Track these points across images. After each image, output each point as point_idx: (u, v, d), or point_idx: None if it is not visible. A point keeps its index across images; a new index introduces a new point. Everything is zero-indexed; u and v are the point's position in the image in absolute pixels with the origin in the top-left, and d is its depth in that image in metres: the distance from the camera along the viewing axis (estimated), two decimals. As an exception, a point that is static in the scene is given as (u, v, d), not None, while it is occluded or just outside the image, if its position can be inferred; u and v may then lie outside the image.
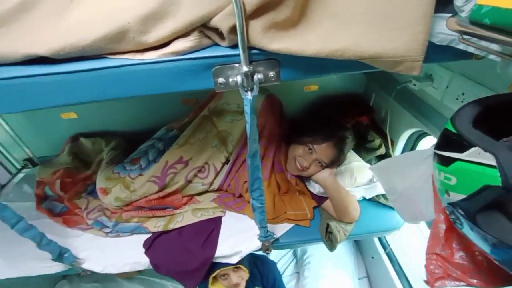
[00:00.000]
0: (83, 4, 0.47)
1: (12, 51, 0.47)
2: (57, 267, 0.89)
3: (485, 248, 0.41)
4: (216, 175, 1.04)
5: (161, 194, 0.98)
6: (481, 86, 0.66)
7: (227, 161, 1.04)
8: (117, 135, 1.32)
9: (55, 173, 1.16)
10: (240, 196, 1.06)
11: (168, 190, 0.99)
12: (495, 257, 0.41)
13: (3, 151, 1.32)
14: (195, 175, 1.02)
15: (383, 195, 1.05)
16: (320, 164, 0.97)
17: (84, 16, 0.46)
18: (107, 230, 0.96)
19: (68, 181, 1.14)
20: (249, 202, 0.94)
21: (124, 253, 0.93)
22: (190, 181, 1.02)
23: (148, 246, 0.92)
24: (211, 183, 1.04)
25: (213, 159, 1.02)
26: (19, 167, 1.37)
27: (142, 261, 0.91)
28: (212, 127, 1.04)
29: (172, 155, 0.98)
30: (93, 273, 0.92)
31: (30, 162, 1.39)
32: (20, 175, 1.34)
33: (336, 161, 0.99)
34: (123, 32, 0.44)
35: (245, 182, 1.01)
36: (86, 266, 0.89)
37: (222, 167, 1.04)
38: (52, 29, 0.47)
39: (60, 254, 0.81)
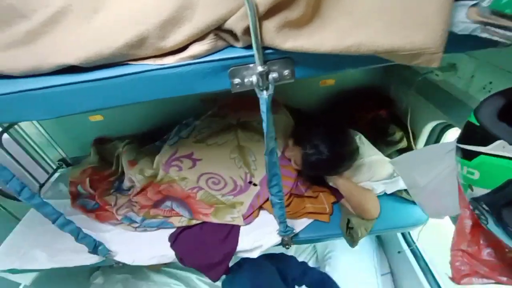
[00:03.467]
0: (106, 13, 0.50)
1: (46, 62, 0.51)
2: (92, 259, 0.96)
3: (511, 244, 0.39)
4: (240, 192, 1.02)
5: (169, 186, 1.01)
6: (511, 74, 0.62)
7: (250, 182, 1.02)
8: (138, 134, 1.39)
9: (84, 172, 1.25)
10: None
11: (177, 186, 1.01)
12: (523, 254, 0.40)
13: (40, 152, 1.43)
14: (212, 183, 1.02)
15: (405, 190, 1.02)
16: (295, 163, 0.96)
17: (107, 25, 0.49)
18: (136, 225, 1.02)
19: (96, 179, 1.22)
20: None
21: (151, 246, 0.98)
22: (202, 188, 1.02)
23: (174, 240, 0.97)
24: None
25: (233, 173, 1.01)
26: (54, 167, 1.48)
27: (168, 254, 0.96)
28: (235, 137, 1.03)
29: (184, 147, 1.00)
30: (124, 265, 0.99)
31: (64, 162, 1.50)
32: (56, 174, 1.45)
33: (313, 167, 0.92)
34: (143, 39, 0.47)
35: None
36: (118, 258, 0.96)
37: (248, 188, 1.01)
38: (79, 39, 0.50)
39: (95, 247, 0.88)
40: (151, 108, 1.34)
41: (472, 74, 0.74)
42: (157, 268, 1.56)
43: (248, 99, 1.06)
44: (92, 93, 0.53)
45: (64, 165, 1.49)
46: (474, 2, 0.41)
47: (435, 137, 1.04)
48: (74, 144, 1.46)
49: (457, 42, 0.46)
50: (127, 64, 0.52)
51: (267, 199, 0.99)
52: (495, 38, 0.42)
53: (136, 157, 1.06)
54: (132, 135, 1.38)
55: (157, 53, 0.51)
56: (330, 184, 0.98)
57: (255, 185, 1.01)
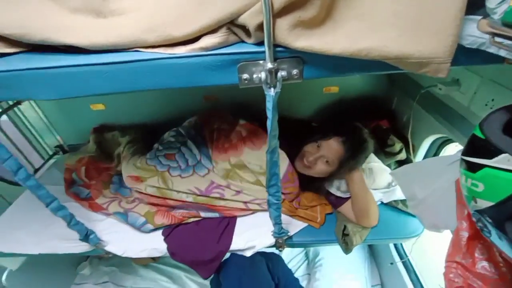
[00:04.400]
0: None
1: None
2: (82, 247, 0.95)
3: (513, 257, 0.39)
4: None
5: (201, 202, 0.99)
6: (514, 92, 0.64)
7: None
8: (139, 126, 1.38)
9: (81, 161, 1.24)
10: None
11: (210, 202, 0.99)
12: (524, 267, 0.40)
13: (38, 137, 1.42)
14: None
15: (401, 200, 1.02)
16: (327, 162, 0.93)
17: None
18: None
19: (92, 168, 1.21)
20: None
21: (143, 238, 0.97)
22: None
23: (168, 234, 0.96)
24: None
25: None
26: (51, 153, 1.46)
27: (160, 248, 0.95)
28: (242, 179, 1.00)
29: (217, 178, 1.00)
30: (112, 256, 0.97)
31: (61, 149, 1.48)
32: (52, 160, 1.44)
33: (345, 161, 0.92)
34: (159, 25, 0.47)
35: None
36: (108, 248, 0.95)
37: None
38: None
39: (86, 235, 0.87)
40: (154, 100, 1.33)
41: (475, 91, 0.75)
42: (145, 263, 1.54)
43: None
44: (100, 76, 0.53)
45: (61, 152, 1.48)
46: (483, 16, 0.42)
47: (434, 151, 1.05)
48: (73, 132, 1.45)
49: (464, 55, 0.47)
50: (136, 50, 0.52)
51: None
52: (502, 53, 0.43)
53: (140, 172, 1.01)
54: (134, 126, 1.37)
55: (168, 42, 0.51)
56: (346, 177, 0.97)
57: None
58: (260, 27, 0.46)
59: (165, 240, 0.95)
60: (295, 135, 1.01)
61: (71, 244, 0.95)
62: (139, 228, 0.97)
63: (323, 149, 0.94)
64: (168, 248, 0.94)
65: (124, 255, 0.95)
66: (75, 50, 0.52)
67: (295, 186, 1.01)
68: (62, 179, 1.19)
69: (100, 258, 1.59)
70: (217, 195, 0.98)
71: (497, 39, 0.36)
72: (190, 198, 0.98)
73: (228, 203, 0.99)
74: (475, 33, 0.44)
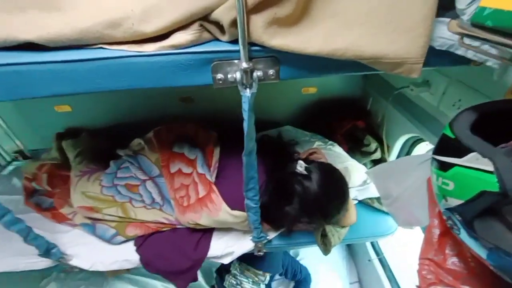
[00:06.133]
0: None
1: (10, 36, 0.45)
2: (43, 263, 0.86)
3: (482, 254, 0.40)
4: None
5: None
6: (478, 93, 0.67)
7: None
8: (109, 129, 1.30)
9: (41, 168, 1.12)
10: None
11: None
12: (491, 263, 0.41)
13: (-7, 141, 1.29)
14: None
15: (376, 198, 1.05)
16: None
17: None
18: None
19: (56, 176, 1.10)
20: None
21: (114, 250, 0.90)
22: None
23: (140, 244, 0.90)
24: None
25: None
26: (9, 159, 1.33)
27: (132, 259, 0.89)
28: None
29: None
30: (81, 269, 0.90)
31: (21, 154, 1.35)
32: (10, 167, 1.30)
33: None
34: (124, 18, 0.43)
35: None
36: (73, 262, 0.87)
37: None
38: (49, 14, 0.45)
39: (47, 250, 0.79)
40: (126, 100, 1.26)
41: (444, 91, 0.78)
42: (118, 274, 1.45)
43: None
44: (58, 76, 0.49)
45: (21, 158, 1.35)
46: (454, 17, 0.43)
47: (407, 150, 1.09)
48: (35, 135, 1.33)
49: (435, 57, 0.49)
50: (100, 47, 0.48)
51: None
52: (469, 55, 0.45)
53: (93, 203, 0.90)
54: (103, 129, 1.29)
55: (136, 39, 0.47)
56: None
57: None
58: (234, 23, 0.44)
59: (137, 250, 0.89)
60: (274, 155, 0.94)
61: (30, 260, 0.86)
62: (109, 241, 0.90)
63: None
64: (141, 259, 0.88)
65: (91, 269, 0.88)
66: (34, 48, 0.46)
67: None
68: (21, 188, 1.08)
69: (67, 272, 1.47)
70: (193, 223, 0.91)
71: (466, 40, 0.37)
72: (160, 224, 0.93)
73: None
74: (445, 35, 0.45)
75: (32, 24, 0.45)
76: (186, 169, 0.93)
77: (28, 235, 0.72)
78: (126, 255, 0.89)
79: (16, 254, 0.87)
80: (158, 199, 0.93)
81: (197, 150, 0.95)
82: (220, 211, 0.82)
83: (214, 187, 0.86)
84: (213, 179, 0.89)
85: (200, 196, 0.88)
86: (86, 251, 0.90)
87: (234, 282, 1.28)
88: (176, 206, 0.90)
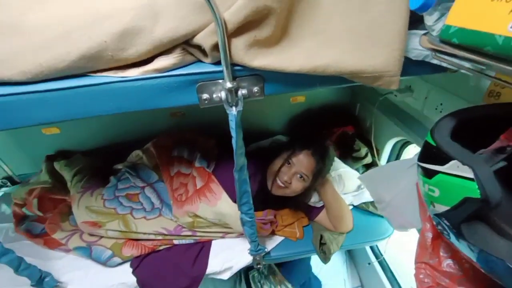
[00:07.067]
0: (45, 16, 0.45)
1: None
2: (37, 292, 0.84)
3: (472, 257, 0.41)
4: None
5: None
6: (458, 97, 0.69)
7: None
8: (101, 150, 1.28)
9: (31, 192, 1.09)
10: None
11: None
12: (481, 266, 0.42)
13: (-20, 168, 1.26)
14: None
15: (371, 203, 1.05)
16: (302, 178, 0.88)
17: (54, 33, 0.44)
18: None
19: (47, 200, 1.07)
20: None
21: (110, 273, 0.88)
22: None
23: (137, 265, 0.89)
24: None
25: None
26: (-4, 186, 1.30)
27: (128, 282, 0.87)
28: (209, 225, 0.94)
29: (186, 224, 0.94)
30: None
31: (9, 180, 1.33)
32: (-2, 194, 1.28)
33: (318, 172, 0.91)
34: (101, 51, 0.44)
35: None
36: (68, 290, 0.85)
37: None
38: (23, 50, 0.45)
39: (40, 279, 0.77)
40: (116, 120, 1.25)
41: (426, 96, 0.80)
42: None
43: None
44: (44, 105, 0.48)
45: (9, 183, 1.32)
46: (425, 31, 0.45)
47: (396, 153, 1.10)
48: (23, 160, 1.30)
49: (413, 66, 0.50)
50: (85, 75, 0.48)
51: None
52: (444, 64, 0.47)
53: (97, 217, 0.91)
54: (95, 150, 1.28)
55: (119, 65, 0.48)
56: (317, 188, 0.97)
57: None
58: (215, 47, 0.45)
59: (134, 272, 0.87)
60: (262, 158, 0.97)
61: (24, 290, 0.83)
62: (105, 263, 0.88)
63: (294, 165, 0.89)
64: (138, 281, 0.87)
65: (87, 295, 0.86)
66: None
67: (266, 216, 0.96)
68: (11, 215, 1.06)
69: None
70: (189, 233, 0.92)
71: (438, 54, 0.38)
72: (159, 237, 0.92)
73: (204, 234, 0.95)
74: (419, 47, 0.47)
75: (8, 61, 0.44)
76: (185, 170, 0.97)
77: (20, 266, 0.70)
78: (123, 277, 0.87)
79: (7, 285, 0.84)
80: (157, 203, 0.95)
81: (196, 152, 0.99)
82: (219, 199, 0.83)
83: (213, 177, 0.88)
84: (211, 170, 0.92)
85: (198, 187, 0.89)
86: (81, 276, 0.88)
87: (258, 277, 1.29)
88: (175, 204, 0.92)
